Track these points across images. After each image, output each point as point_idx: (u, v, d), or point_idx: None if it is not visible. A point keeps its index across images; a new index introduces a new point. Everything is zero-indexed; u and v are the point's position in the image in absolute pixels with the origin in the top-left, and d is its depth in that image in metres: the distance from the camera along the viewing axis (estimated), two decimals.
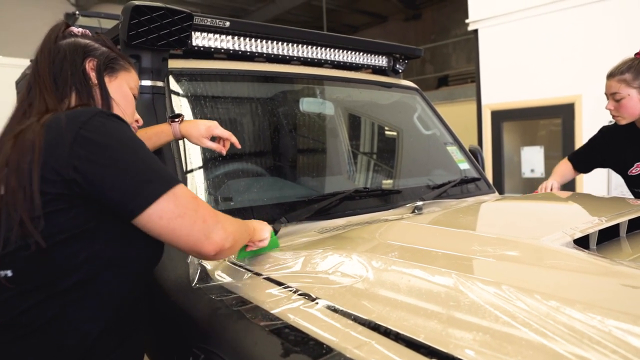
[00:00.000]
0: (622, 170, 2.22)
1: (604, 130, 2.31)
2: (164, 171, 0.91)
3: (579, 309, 0.78)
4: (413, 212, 1.81)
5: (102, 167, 0.85)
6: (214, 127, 1.39)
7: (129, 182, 0.86)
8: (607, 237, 1.36)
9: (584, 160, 2.37)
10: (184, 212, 0.89)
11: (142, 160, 0.89)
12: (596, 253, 1.17)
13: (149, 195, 0.86)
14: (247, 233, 1.12)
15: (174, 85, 1.63)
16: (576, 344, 0.70)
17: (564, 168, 2.39)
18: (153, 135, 1.38)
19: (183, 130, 1.39)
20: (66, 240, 0.85)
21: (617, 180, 4.68)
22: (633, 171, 2.16)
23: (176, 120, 1.39)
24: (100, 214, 0.88)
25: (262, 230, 1.22)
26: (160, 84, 1.54)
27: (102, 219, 0.88)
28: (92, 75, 1.05)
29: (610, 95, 2.07)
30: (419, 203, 1.85)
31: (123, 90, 1.11)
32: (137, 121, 1.18)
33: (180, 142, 1.53)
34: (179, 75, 1.66)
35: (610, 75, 2.08)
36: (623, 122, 2.09)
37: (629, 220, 1.41)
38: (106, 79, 1.07)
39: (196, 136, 1.38)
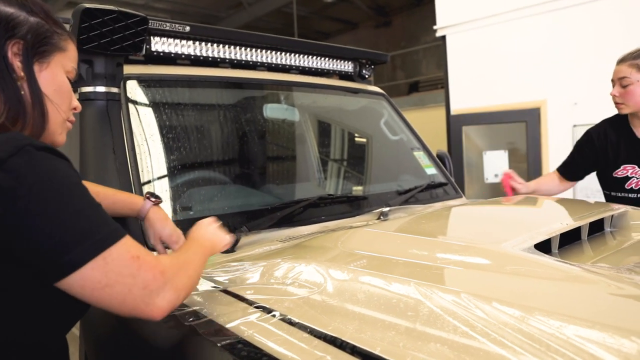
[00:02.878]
0: (606, 172, 2.17)
1: (591, 132, 2.25)
2: (99, 227, 0.74)
3: (537, 316, 0.76)
4: (379, 218, 1.79)
5: (19, 218, 0.69)
6: (177, 241, 1.21)
7: (48, 242, 0.70)
8: (570, 240, 1.36)
9: (573, 166, 2.32)
10: (114, 281, 0.73)
11: (72, 213, 0.72)
12: (557, 257, 1.17)
13: (69, 263, 0.71)
14: (205, 260, 0.99)
15: (131, 91, 1.58)
16: (535, 353, 0.68)
17: (547, 177, 2.35)
18: (119, 201, 1.20)
19: (151, 214, 1.21)
20: None
21: (582, 183, 4.78)
22: (619, 173, 2.11)
23: (153, 200, 1.22)
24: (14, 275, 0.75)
25: (221, 239, 1.11)
26: (115, 90, 1.48)
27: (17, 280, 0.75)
28: (17, 64, 0.82)
29: (618, 80, 2.01)
30: (385, 209, 1.83)
31: (58, 80, 0.89)
32: (74, 109, 0.96)
33: (138, 146, 1.48)
34: (137, 81, 1.61)
35: (622, 60, 2.02)
36: (626, 110, 2.02)
37: (591, 223, 1.42)
38: (36, 68, 0.85)
39: (159, 230, 1.21)
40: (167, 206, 1.45)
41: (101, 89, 1.45)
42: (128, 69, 1.58)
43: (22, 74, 0.83)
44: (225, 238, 1.12)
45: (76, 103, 0.96)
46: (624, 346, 0.67)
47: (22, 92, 0.83)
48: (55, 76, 0.88)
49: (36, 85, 0.84)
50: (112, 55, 1.44)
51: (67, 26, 1.43)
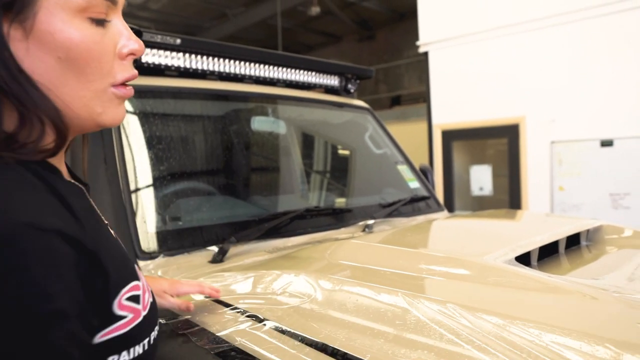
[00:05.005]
0: None
1: None
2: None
3: (518, 325, 0.80)
4: (364, 230, 1.82)
5: None
6: (181, 284, 1.04)
7: None
8: (548, 253, 1.42)
9: None
10: None
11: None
12: (537, 269, 1.22)
13: None
14: None
15: None
16: (516, 359, 0.72)
17: None
18: None
19: None
20: None
21: (560, 198, 4.91)
22: None
23: None
24: None
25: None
26: None
27: None
28: None
29: None
30: (370, 222, 1.87)
31: (61, 37, 0.53)
32: (131, 54, 0.60)
33: (129, 157, 1.49)
34: None
35: None
36: None
37: (567, 237, 1.48)
38: (17, 36, 0.52)
39: (156, 292, 0.96)
40: (156, 216, 1.47)
41: None
42: None
43: None
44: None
45: (129, 46, 0.59)
46: (598, 352, 0.71)
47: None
48: (53, 35, 0.53)
49: (14, 66, 0.52)
50: None
51: None
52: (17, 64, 0.52)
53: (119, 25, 0.59)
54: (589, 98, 4.66)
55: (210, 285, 1.07)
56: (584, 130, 4.72)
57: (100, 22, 0.57)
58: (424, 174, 2.49)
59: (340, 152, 2.51)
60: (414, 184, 2.37)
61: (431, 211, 2.28)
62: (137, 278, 0.61)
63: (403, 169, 2.42)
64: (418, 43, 5.88)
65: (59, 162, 0.60)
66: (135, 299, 0.59)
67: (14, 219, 0.46)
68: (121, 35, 0.59)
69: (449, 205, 5.61)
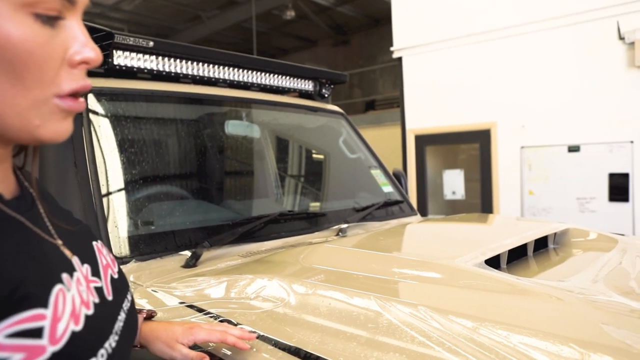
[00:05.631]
0: None
1: None
2: None
3: (488, 326, 0.82)
4: (337, 234, 1.83)
5: None
6: (198, 330, 0.83)
7: None
8: (517, 256, 1.45)
9: None
10: None
11: None
12: (506, 272, 1.25)
13: None
14: None
15: (92, 104, 1.57)
16: None
17: None
18: None
19: (146, 331, 0.84)
20: None
21: (529, 202, 5.02)
22: None
23: (143, 312, 0.89)
24: None
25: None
26: None
27: None
28: None
29: None
30: (344, 226, 1.88)
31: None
32: (83, 63, 0.53)
33: (100, 160, 1.47)
34: (99, 95, 1.61)
35: None
36: None
37: (536, 240, 1.52)
38: None
39: (166, 341, 0.82)
40: (127, 220, 1.45)
41: None
42: (93, 83, 1.57)
43: None
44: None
45: (83, 53, 0.52)
46: (563, 352, 0.73)
47: None
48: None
49: None
50: None
51: None
52: None
53: (74, 28, 0.51)
54: (557, 105, 4.79)
55: (241, 330, 0.86)
56: (552, 136, 4.85)
57: (50, 21, 0.48)
58: (397, 179, 2.51)
59: (315, 156, 2.52)
60: (388, 188, 2.40)
61: (404, 215, 2.30)
62: (36, 305, 0.48)
63: (376, 173, 2.44)
64: (392, 49, 5.94)
65: None
66: (31, 333, 0.47)
67: None
68: (75, 40, 0.51)
69: (422, 209, 5.68)
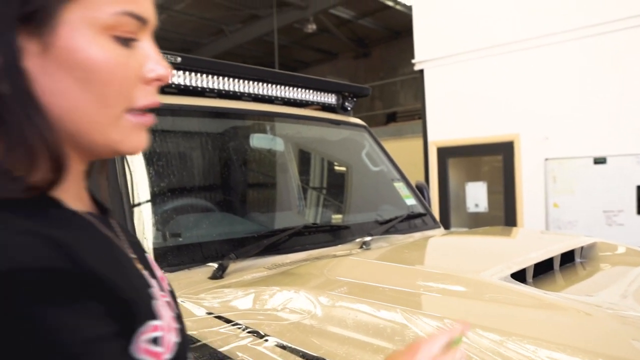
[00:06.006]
0: None
1: None
2: None
3: (515, 340, 0.82)
4: (361, 247, 1.84)
5: None
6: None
7: None
8: (543, 270, 1.44)
9: None
10: None
11: None
12: (532, 286, 1.24)
13: None
14: None
15: None
16: None
17: None
18: None
19: None
20: None
21: (554, 215, 4.94)
22: None
23: None
24: None
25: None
26: None
27: None
28: None
29: None
30: (367, 238, 1.89)
31: (80, 57, 0.48)
32: (157, 80, 0.54)
33: (130, 172, 1.51)
34: None
35: None
36: None
37: (562, 254, 1.50)
38: (35, 50, 0.47)
39: None
40: (156, 232, 1.48)
41: None
42: None
43: None
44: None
45: (156, 71, 0.53)
46: None
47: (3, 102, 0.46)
48: (75, 53, 0.48)
49: (22, 84, 0.46)
50: None
51: None
52: (26, 83, 0.46)
53: (147, 47, 0.53)
54: (582, 116, 4.73)
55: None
56: (577, 148, 4.78)
57: (127, 42, 0.51)
58: (420, 191, 2.51)
59: (338, 169, 2.54)
60: (410, 200, 2.40)
61: (427, 228, 2.30)
62: (155, 317, 0.52)
63: (399, 186, 2.44)
64: (414, 61, 5.96)
65: (62, 190, 0.52)
66: (155, 341, 0.51)
67: None
68: (148, 58, 0.53)
69: (445, 222, 5.64)
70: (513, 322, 0.94)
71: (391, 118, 12.76)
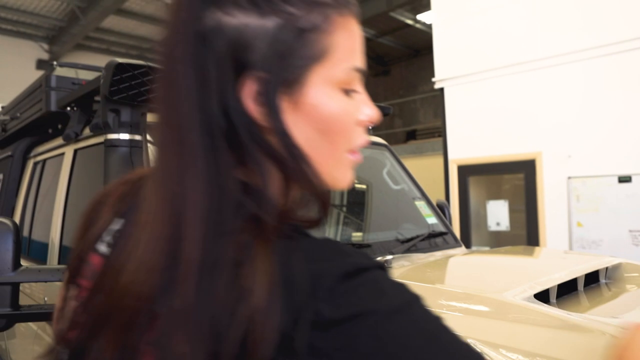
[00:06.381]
0: None
1: None
2: None
3: None
4: None
5: None
6: None
7: None
8: (567, 290, 1.43)
9: None
10: None
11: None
12: (556, 306, 1.23)
13: None
14: None
15: (151, 138, 1.67)
16: None
17: None
18: None
19: None
20: None
21: (578, 234, 4.87)
22: None
23: None
24: None
25: None
26: (138, 137, 1.58)
27: None
28: (256, 110, 0.52)
29: None
30: (389, 257, 1.89)
31: (320, 112, 0.55)
32: (370, 121, 0.61)
33: None
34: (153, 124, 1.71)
35: None
36: None
37: (586, 275, 1.49)
38: (287, 108, 0.53)
39: None
40: None
41: (125, 136, 1.54)
42: (150, 117, 1.68)
43: (265, 123, 0.52)
44: None
45: (368, 114, 0.60)
46: None
47: (272, 150, 0.53)
48: (319, 108, 0.55)
49: (290, 139, 0.53)
50: (138, 106, 1.54)
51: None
52: (292, 138, 0.53)
53: (361, 94, 0.60)
54: (605, 134, 4.68)
55: None
56: (601, 166, 4.72)
57: (350, 93, 0.58)
58: (441, 210, 2.51)
59: (358, 187, 2.56)
60: (432, 219, 2.40)
61: (449, 247, 2.29)
62: None
63: (420, 204, 2.45)
64: (434, 79, 5.98)
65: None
66: None
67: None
68: (363, 104, 0.60)
69: (466, 240, 5.59)
70: (536, 342, 0.94)
71: (411, 136, 12.75)
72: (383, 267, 0.50)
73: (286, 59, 0.52)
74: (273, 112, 0.52)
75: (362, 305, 0.45)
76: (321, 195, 0.55)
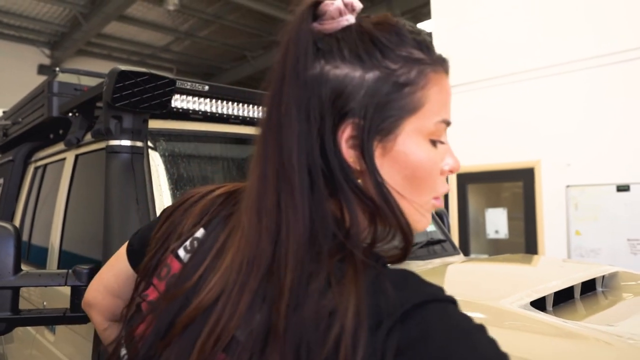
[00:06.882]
0: None
1: None
2: None
3: None
4: None
5: None
6: None
7: None
8: (563, 298, 1.44)
9: None
10: None
11: None
12: (552, 314, 1.24)
13: None
14: None
15: (152, 144, 1.69)
16: None
17: None
18: None
19: None
20: None
21: (576, 243, 4.87)
22: None
23: None
24: None
25: None
26: (139, 144, 1.59)
27: None
28: (351, 154, 0.57)
29: None
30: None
31: (412, 160, 0.59)
32: (451, 171, 0.66)
33: (159, 197, 1.56)
34: (158, 136, 1.72)
35: None
36: None
37: (583, 283, 1.50)
38: (377, 152, 0.58)
39: None
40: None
41: (127, 142, 1.56)
42: (150, 124, 1.69)
43: (358, 167, 0.57)
44: None
45: (450, 164, 0.65)
46: None
47: (362, 190, 0.57)
48: (407, 155, 0.59)
49: (378, 178, 0.57)
50: (140, 113, 1.55)
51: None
52: (383, 179, 0.57)
53: (445, 144, 0.64)
54: (604, 143, 4.70)
55: None
56: (600, 175, 4.74)
57: (436, 143, 0.62)
58: (440, 218, 2.52)
59: None
60: (430, 227, 2.41)
61: (447, 254, 2.30)
62: None
63: None
64: None
65: None
66: None
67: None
68: (446, 153, 0.64)
69: (465, 248, 5.59)
70: (533, 350, 0.95)
71: None
72: (455, 302, 0.54)
73: (383, 109, 0.57)
74: (368, 156, 0.56)
75: (432, 331, 0.48)
76: (405, 233, 0.58)
